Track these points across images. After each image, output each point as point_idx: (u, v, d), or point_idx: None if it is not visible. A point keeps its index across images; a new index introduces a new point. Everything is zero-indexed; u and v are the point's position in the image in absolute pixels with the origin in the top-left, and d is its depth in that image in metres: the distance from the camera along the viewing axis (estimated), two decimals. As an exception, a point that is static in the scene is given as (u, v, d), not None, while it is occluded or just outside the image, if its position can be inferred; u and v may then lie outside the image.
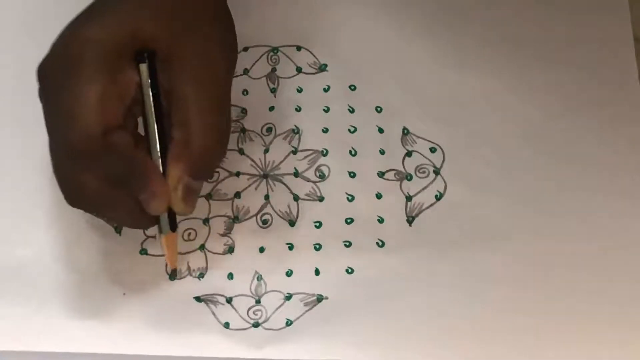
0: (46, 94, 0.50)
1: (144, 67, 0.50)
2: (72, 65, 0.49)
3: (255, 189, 0.59)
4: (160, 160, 0.51)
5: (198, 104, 0.50)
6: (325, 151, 0.60)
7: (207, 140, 0.51)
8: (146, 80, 0.51)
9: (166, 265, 0.57)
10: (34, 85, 0.51)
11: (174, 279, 0.57)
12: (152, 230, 0.57)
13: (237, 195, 0.59)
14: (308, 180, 0.59)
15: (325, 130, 0.61)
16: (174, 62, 0.50)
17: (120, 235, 0.58)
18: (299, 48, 0.63)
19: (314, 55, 0.63)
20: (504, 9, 0.64)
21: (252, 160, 0.60)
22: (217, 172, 0.60)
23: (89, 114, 0.48)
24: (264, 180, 0.59)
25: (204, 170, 0.53)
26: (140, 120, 0.53)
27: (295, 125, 0.61)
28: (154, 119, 0.51)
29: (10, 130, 0.61)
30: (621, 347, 0.54)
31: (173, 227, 0.53)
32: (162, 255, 0.57)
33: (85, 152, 0.49)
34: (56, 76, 0.49)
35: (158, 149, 0.52)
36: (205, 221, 0.58)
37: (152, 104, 0.51)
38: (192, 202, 0.52)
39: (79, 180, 0.50)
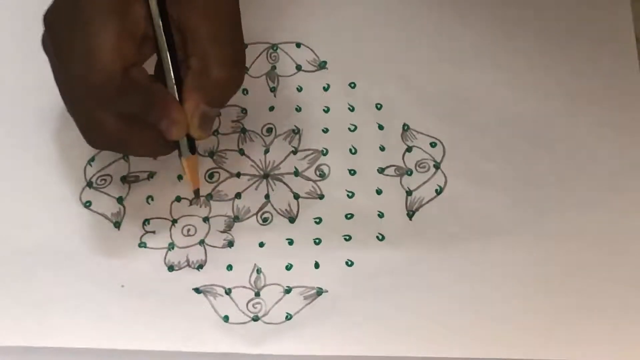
0: (56, 40, 0.50)
1: None
2: (81, 9, 0.49)
3: (256, 189, 0.59)
4: (175, 89, 0.52)
5: (212, 36, 0.51)
6: (325, 150, 0.60)
7: (225, 71, 0.52)
8: (155, 10, 0.51)
9: (165, 257, 0.57)
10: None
11: (197, 197, 0.58)
12: (151, 226, 0.58)
13: (238, 195, 0.59)
14: (308, 179, 0.59)
15: (326, 130, 0.61)
16: None
17: (119, 230, 0.58)
18: (298, 45, 0.63)
19: (314, 52, 0.63)
20: (504, 5, 0.64)
21: (253, 161, 0.60)
22: (218, 173, 0.60)
23: (108, 53, 0.49)
24: (265, 180, 0.59)
25: (220, 100, 0.54)
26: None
27: (295, 126, 0.61)
28: (167, 49, 0.52)
29: (11, 125, 0.61)
30: (622, 343, 0.54)
31: (192, 150, 0.55)
32: (162, 249, 0.57)
33: (107, 90, 0.49)
34: (67, 20, 0.50)
35: (173, 79, 0.52)
36: (205, 219, 0.58)
37: (163, 34, 0.52)
38: (209, 128, 0.54)
39: (99, 119, 0.51)
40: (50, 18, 0.51)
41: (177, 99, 0.52)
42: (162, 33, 0.51)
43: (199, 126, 0.53)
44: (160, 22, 0.51)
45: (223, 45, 0.51)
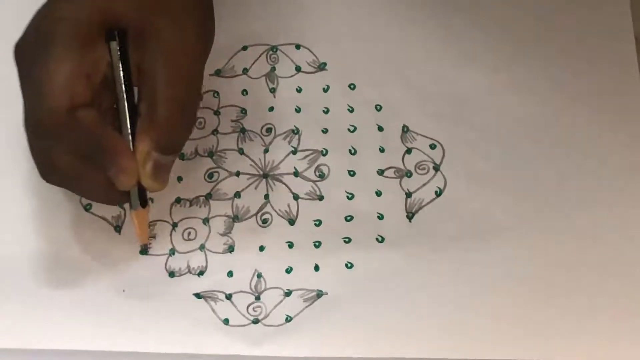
0: (20, 73, 0.51)
1: (114, 45, 0.51)
2: (42, 44, 0.49)
3: (255, 188, 0.59)
4: (130, 137, 0.52)
5: (163, 78, 0.50)
6: (325, 151, 0.60)
7: (170, 114, 0.51)
8: (116, 58, 0.51)
9: (166, 263, 0.57)
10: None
11: (144, 254, 0.57)
12: (152, 230, 0.58)
13: (237, 194, 0.59)
14: (308, 179, 0.59)
15: (325, 131, 0.61)
16: (146, 39, 0.51)
17: (120, 234, 0.58)
18: (298, 46, 0.63)
19: (313, 54, 0.63)
20: (503, 6, 0.64)
21: (252, 160, 0.60)
22: (217, 172, 0.60)
23: (54, 91, 0.49)
24: (264, 180, 0.59)
25: (170, 144, 0.52)
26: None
27: (294, 126, 0.61)
28: (124, 95, 0.52)
29: (11, 127, 0.61)
30: (621, 343, 0.54)
31: (143, 202, 0.54)
32: (163, 255, 0.57)
33: (49, 128, 0.49)
34: (29, 55, 0.50)
35: (128, 125, 0.52)
36: (205, 221, 0.58)
37: (122, 82, 0.51)
38: (162, 178, 0.53)
39: (49, 155, 0.51)
40: (17, 50, 0.51)
41: (131, 146, 0.51)
42: (121, 77, 0.51)
43: (151, 176, 0.52)
44: (120, 69, 0.51)
45: (171, 88, 0.50)
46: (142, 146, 0.51)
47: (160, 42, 0.50)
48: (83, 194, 0.56)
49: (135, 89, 0.53)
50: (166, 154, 0.52)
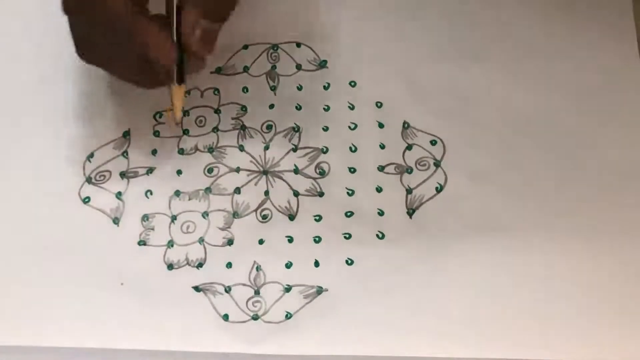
0: None
1: None
2: None
3: (255, 184, 0.59)
4: (175, 10, 0.54)
5: None
6: (325, 149, 0.60)
7: None
8: None
9: (164, 255, 0.57)
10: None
11: (180, 127, 0.61)
12: (150, 222, 0.58)
13: (237, 190, 0.59)
14: (308, 176, 0.59)
15: (326, 129, 0.61)
16: None
17: (118, 226, 0.58)
18: (298, 44, 0.63)
19: (314, 52, 0.63)
20: (504, 4, 0.64)
21: (252, 157, 0.60)
22: (217, 167, 0.60)
23: None
24: (264, 176, 0.59)
25: (217, 11, 0.55)
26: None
27: (295, 124, 0.61)
28: None
29: (10, 121, 0.61)
30: (622, 342, 0.54)
31: (179, 80, 0.56)
32: (161, 246, 0.57)
33: (72, 3, 0.52)
34: None
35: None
36: (205, 214, 0.58)
37: None
38: (210, 43, 0.55)
39: (87, 34, 0.53)
40: None
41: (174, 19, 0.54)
42: None
43: (200, 40, 0.54)
44: None
45: None
46: (189, 16, 0.54)
47: None
48: (117, 74, 0.57)
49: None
50: (214, 21, 0.54)
